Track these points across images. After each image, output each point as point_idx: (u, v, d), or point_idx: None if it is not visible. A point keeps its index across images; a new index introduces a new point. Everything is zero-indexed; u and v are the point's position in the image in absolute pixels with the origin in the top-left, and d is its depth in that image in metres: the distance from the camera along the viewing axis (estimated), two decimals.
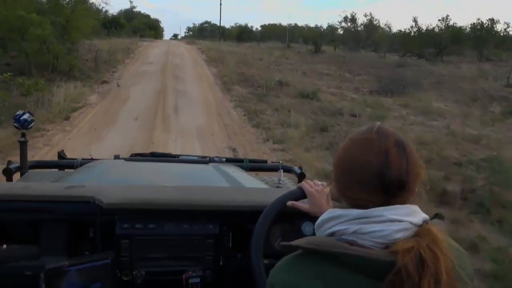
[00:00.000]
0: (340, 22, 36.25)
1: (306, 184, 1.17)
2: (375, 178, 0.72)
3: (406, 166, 0.73)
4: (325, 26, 57.67)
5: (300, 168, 2.33)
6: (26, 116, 1.86)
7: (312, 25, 60.92)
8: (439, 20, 27.51)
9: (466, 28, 27.81)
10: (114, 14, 56.19)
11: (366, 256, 0.68)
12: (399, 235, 0.70)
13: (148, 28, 53.63)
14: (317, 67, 20.76)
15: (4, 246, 1.18)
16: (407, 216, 0.73)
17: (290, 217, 1.29)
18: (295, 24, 62.84)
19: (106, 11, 56.88)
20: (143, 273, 1.23)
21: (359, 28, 36.18)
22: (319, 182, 1.19)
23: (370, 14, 37.21)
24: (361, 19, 37.13)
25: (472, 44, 26.42)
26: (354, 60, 24.19)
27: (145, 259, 1.23)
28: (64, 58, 12.82)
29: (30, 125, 1.85)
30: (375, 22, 36.01)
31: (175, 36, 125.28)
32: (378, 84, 14.87)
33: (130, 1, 74.50)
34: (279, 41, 45.32)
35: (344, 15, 37.19)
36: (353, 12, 39.04)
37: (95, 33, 28.35)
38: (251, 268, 1.06)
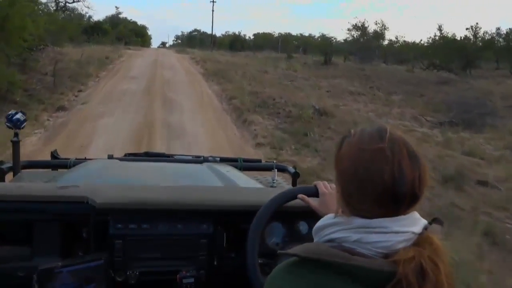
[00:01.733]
0: (350, 30, 30.56)
1: (321, 184, 1.23)
2: (387, 191, 0.72)
3: (418, 178, 0.73)
4: (321, 35, 54.82)
5: (294, 167, 2.31)
6: (19, 115, 1.86)
7: (305, 34, 60.91)
8: (467, 28, 25.41)
9: (495, 38, 25.78)
10: (100, 20, 49.09)
11: (368, 266, 0.70)
12: (401, 245, 0.73)
13: (135, 35, 48.28)
14: (336, 82, 18.41)
15: None
16: (411, 226, 0.75)
17: (286, 216, 1.32)
18: (289, 33, 60.51)
19: (90, 17, 50.39)
20: (137, 273, 1.26)
21: (366, 37, 34.52)
22: (334, 185, 1.19)
23: (382, 21, 34.66)
24: (367, 27, 35.39)
25: (505, 55, 24.71)
26: (377, 74, 22.15)
27: (139, 259, 1.27)
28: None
29: (23, 125, 1.86)
30: (386, 31, 34.31)
31: (163, 44, 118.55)
32: (428, 107, 13.14)
33: (116, 7, 68.65)
34: (274, 50, 44.85)
35: (354, 22, 34.63)
36: (365, 20, 36.18)
37: (73, 39, 25.83)
38: (246, 267, 1.10)
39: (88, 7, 48.88)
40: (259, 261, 1.16)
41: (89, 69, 14.67)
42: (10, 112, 1.85)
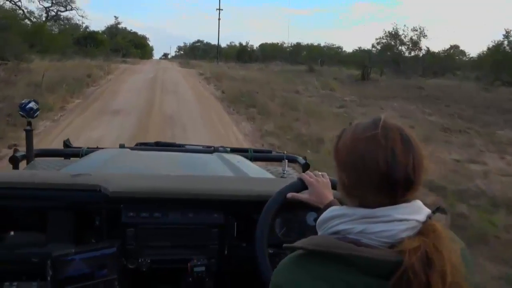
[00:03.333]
0: (381, 38, 24.67)
1: (305, 175, 1.29)
2: (383, 177, 0.77)
3: (412, 163, 0.77)
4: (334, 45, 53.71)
5: (305, 158, 2.41)
6: (31, 104, 1.95)
7: (314, 44, 55.34)
8: None
9: None
10: (96, 30, 42.89)
11: (374, 257, 0.74)
12: (405, 234, 0.77)
13: (134, 46, 42.36)
14: (402, 108, 13.46)
15: (12, 233, 1.32)
16: (413, 214, 0.79)
17: (294, 207, 1.40)
18: (298, 43, 56.64)
19: (87, 27, 44.51)
20: (149, 261, 1.36)
21: (400, 47, 30.22)
22: (319, 173, 1.32)
23: (420, 28, 29.82)
24: (401, 35, 31.07)
25: None
26: (444, 93, 17.69)
27: (150, 247, 1.37)
28: None
29: (36, 114, 1.98)
30: (424, 38, 29.63)
31: (165, 55, 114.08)
32: None
33: (115, 17, 63.28)
34: (284, 62, 41.80)
35: (389, 29, 29.94)
36: (406, 26, 30.98)
37: (61, 50, 24.97)
38: (255, 258, 1.19)
39: (82, 16, 43.28)
40: (269, 251, 1.24)
41: (51, 98, 9.09)
42: (23, 101, 1.94)
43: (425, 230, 0.76)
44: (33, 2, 57.48)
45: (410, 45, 28.70)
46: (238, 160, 2.11)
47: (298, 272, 0.78)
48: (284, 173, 2.06)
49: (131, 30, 62.26)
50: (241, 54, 59.81)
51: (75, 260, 1.23)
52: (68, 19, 45.86)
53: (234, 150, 2.45)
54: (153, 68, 27.54)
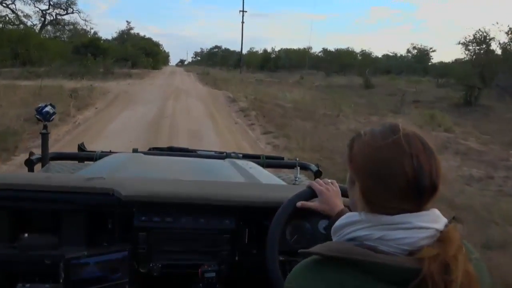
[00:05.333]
0: (466, 45, 21.59)
1: (315, 183, 1.28)
2: (410, 184, 0.75)
3: (435, 169, 0.76)
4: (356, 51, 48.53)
5: (317, 165, 2.36)
6: (48, 108, 1.95)
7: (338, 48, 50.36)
8: None
9: None
10: (100, 37, 40.59)
11: (393, 264, 0.73)
12: (424, 242, 0.76)
13: (145, 54, 35.03)
14: None
15: (26, 235, 1.32)
16: (433, 223, 0.77)
17: (305, 215, 1.39)
18: (326, 48, 52.26)
19: (96, 33, 40.77)
20: (160, 265, 1.35)
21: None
22: (329, 180, 1.31)
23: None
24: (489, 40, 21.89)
25: None
26: None
27: (162, 252, 1.36)
28: None
29: (52, 117, 1.99)
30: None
31: (182, 62, 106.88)
32: None
33: (127, 21, 56.49)
34: (313, 69, 38.08)
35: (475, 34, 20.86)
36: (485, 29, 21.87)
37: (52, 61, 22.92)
38: (266, 265, 1.19)
39: (86, 20, 36.01)
40: (280, 258, 1.24)
41: None
42: (39, 105, 1.95)
43: (443, 238, 0.75)
44: (29, 4, 41.93)
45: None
46: (251, 166, 2.08)
47: (313, 278, 0.76)
48: (296, 180, 2.02)
49: (144, 35, 56.28)
50: (265, 62, 52.12)
51: (87, 263, 1.24)
52: (71, 24, 38.59)
53: (247, 156, 2.44)
54: (163, 90, 18.58)
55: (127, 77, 25.91)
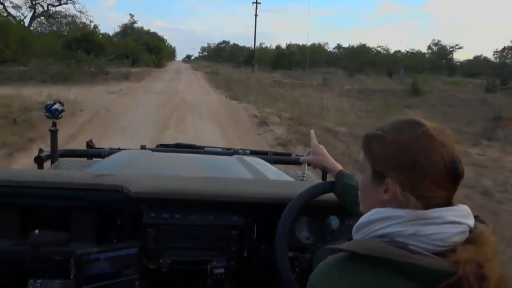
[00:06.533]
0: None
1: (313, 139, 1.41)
2: (447, 170, 0.75)
3: (458, 156, 0.79)
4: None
5: None
6: (57, 105, 1.97)
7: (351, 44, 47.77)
8: None
9: None
10: (106, 32, 39.20)
11: (429, 266, 0.70)
12: (457, 238, 0.75)
13: (147, 50, 30.52)
14: None
15: (36, 231, 1.31)
16: (466, 218, 0.77)
17: (316, 211, 1.38)
18: (338, 44, 51.30)
19: (96, 27, 37.00)
20: (169, 261, 1.34)
21: None
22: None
23: None
24: None
25: None
26: None
27: (171, 248, 1.36)
28: None
29: (61, 115, 1.99)
30: None
31: (188, 57, 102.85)
32: None
33: (130, 14, 51.59)
34: (330, 67, 35.09)
35: None
36: None
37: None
38: (275, 261, 1.17)
39: (81, 12, 31.52)
40: (289, 254, 1.23)
41: None
42: (48, 103, 1.96)
43: (475, 239, 0.75)
44: None
45: None
46: (258, 162, 2.08)
47: (344, 276, 0.73)
48: (304, 176, 1.94)
49: (149, 30, 51.07)
50: (279, 59, 47.31)
51: (98, 259, 1.23)
52: (69, 16, 33.98)
53: (254, 153, 2.40)
54: (162, 102, 13.02)
55: (122, 78, 21.00)
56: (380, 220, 0.77)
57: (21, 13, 31.89)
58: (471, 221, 0.76)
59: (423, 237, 0.73)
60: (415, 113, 14.26)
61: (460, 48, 44.37)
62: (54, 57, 22.58)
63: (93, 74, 20.68)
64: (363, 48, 44.55)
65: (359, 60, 39.86)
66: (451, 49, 43.48)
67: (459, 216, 0.75)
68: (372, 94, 20.60)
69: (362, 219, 0.81)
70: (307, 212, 1.32)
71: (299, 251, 1.28)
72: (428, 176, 0.74)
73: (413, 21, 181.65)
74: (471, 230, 0.76)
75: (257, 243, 1.39)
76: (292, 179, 1.97)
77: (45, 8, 31.21)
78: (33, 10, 30.68)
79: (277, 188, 1.50)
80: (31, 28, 31.15)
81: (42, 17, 31.36)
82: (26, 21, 30.31)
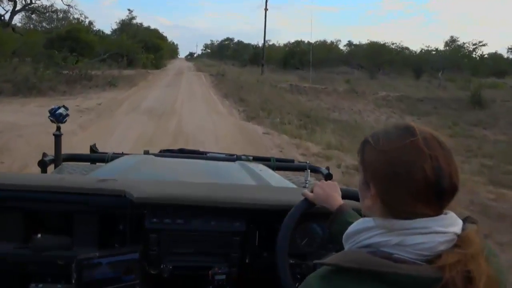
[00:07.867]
0: None
1: (306, 191, 1.24)
2: (430, 187, 0.72)
3: (454, 170, 0.74)
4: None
5: (328, 168, 2.34)
6: (61, 110, 1.95)
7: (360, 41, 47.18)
8: None
9: None
10: (100, 29, 33.80)
11: (414, 274, 0.70)
12: (443, 247, 0.73)
13: (144, 50, 25.96)
14: None
15: (39, 235, 1.33)
16: (451, 226, 0.75)
17: (318, 218, 1.37)
18: (349, 41, 46.74)
19: (91, 23, 33.19)
20: (171, 267, 1.35)
21: None
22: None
23: None
24: None
25: None
26: None
27: (173, 254, 1.37)
28: None
29: (65, 119, 1.99)
30: None
31: (191, 55, 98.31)
32: None
33: (128, 10, 47.38)
34: (344, 65, 33.26)
35: None
36: None
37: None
38: (277, 268, 1.16)
39: (69, 6, 27.14)
40: (291, 261, 1.24)
41: None
42: (53, 107, 1.95)
43: (461, 242, 0.73)
44: None
45: None
46: (261, 168, 2.08)
47: None
48: (306, 183, 1.99)
49: (149, 26, 47.02)
50: (290, 57, 43.12)
51: (99, 264, 1.24)
52: (61, 11, 29.65)
53: (257, 159, 2.41)
54: (147, 136, 7.88)
55: (107, 86, 17.01)
56: (366, 230, 0.77)
57: (3, 7, 27.79)
58: (457, 228, 0.74)
59: (408, 247, 0.72)
60: (493, 135, 10.37)
61: (483, 45, 40.36)
62: (33, 58, 18.83)
63: (72, 80, 16.65)
64: (380, 46, 40.55)
65: (380, 59, 35.96)
66: (474, 46, 39.45)
67: (444, 226, 0.73)
68: (416, 104, 16.93)
69: (350, 228, 0.81)
70: (307, 219, 1.32)
71: (301, 258, 1.29)
72: (407, 189, 0.72)
73: (418, 17, 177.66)
74: (459, 235, 0.75)
75: (259, 249, 1.40)
76: (294, 186, 1.97)
77: (27, 1, 27.29)
78: (13, 4, 26.83)
79: (280, 194, 1.50)
80: (13, 24, 27.30)
81: (24, 12, 27.50)
82: (9, 17, 26.46)
